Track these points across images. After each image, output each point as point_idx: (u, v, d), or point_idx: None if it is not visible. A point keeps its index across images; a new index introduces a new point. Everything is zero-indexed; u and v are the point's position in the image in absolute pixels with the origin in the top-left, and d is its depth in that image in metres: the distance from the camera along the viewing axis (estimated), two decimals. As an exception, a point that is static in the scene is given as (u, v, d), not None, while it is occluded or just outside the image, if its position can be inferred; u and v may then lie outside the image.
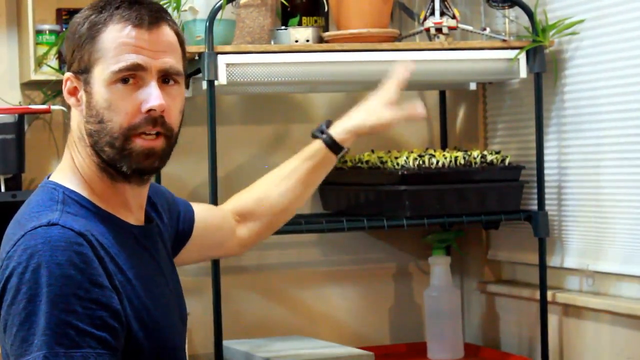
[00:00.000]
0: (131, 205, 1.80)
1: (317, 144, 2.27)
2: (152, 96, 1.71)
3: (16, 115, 3.07)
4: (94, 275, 1.64)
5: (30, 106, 3.13)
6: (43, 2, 3.22)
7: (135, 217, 1.81)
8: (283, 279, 3.47)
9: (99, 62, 1.72)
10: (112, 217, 1.75)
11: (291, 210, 2.30)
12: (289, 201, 2.26)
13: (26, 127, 3.17)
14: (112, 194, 1.77)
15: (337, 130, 2.26)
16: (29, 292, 1.60)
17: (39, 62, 3.13)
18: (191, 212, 2.15)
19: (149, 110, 1.72)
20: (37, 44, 3.13)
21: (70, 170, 1.77)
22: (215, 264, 2.91)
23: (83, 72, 1.73)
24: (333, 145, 2.25)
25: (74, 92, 1.75)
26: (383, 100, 2.26)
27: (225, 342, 2.99)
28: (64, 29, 3.19)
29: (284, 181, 2.26)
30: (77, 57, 1.74)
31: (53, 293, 1.60)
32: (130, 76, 1.71)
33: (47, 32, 3.18)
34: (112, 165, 1.74)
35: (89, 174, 1.76)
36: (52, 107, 3.13)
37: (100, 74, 1.72)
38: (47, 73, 3.12)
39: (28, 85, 3.23)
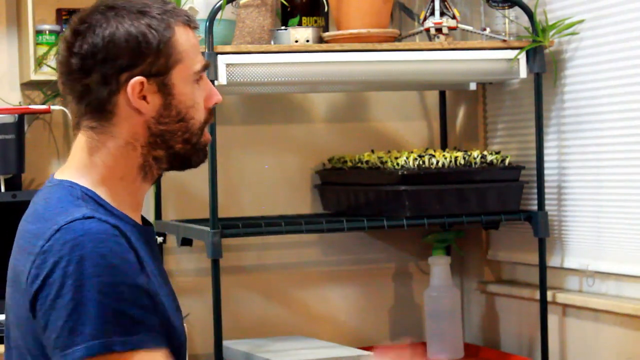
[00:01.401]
0: (138, 206, 1.83)
1: None
2: (216, 91, 1.84)
3: (16, 115, 3.07)
4: (136, 264, 1.68)
5: (30, 106, 3.13)
6: (43, 2, 3.22)
7: (137, 216, 1.84)
8: (283, 279, 3.47)
9: (179, 63, 1.78)
10: (126, 217, 1.79)
11: None
12: None
13: (26, 127, 3.17)
14: (127, 194, 1.80)
15: None
16: (75, 284, 1.61)
17: (39, 62, 3.13)
18: None
19: (213, 104, 1.84)
20: (37, 44, 3.13)
21: (84, 169, 1.78)
22: (215, 264, 2.91)
23: (156, 75, 1.76)
24: None
25: (142, 96, 1.77)
26: None
27: (225, 342, 3.00)
28: (64, 29, 3.19)
29: None
30: (147, 61, 1.76)
31: (101, 283, 1.61)
32: (201, 75, 1.82)
33: (47, 32, 3.19)
34: (177, 159, 1.82)
35: (120, 173, 1.79)
36: (52, 107, 3.13)
37: (182, 74, 1.78)
38: (47, 73, 3.12)
39: (28, 85, 3.23)
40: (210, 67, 2.86)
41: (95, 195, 1.75)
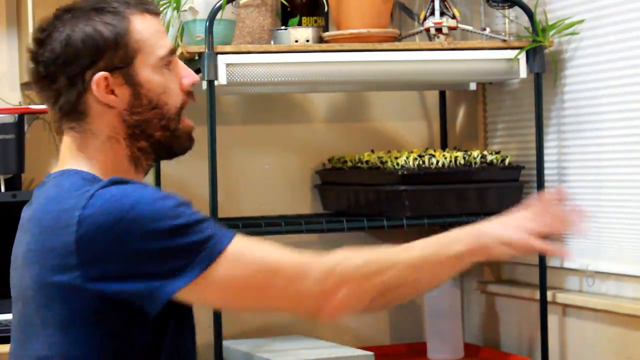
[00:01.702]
0: None
1: None
2: (189, 72, 1.85)
3: (16, 115, 3.07)
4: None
5: (30, 106, 3.14)
6: (43, 2, 3.21)
7: None
8: (283, 279, 3.47)
9: (139, 52, 1.78)
10: None
11: None
12: None
13: (26, 127, 3.17)
14: None
15: None
16: (133, 225, 1.64)
17: (39, 62, 3.12)
18: None
19: (189, 85, 1.84)
20: (37, 44, 3.13)
21: (81, 163, 1.79)
22: (215, 264, 2.91)
23: (119, 67, 1.77)
24: None
25: (109, 90, 1.78)
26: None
27: (225, 342, 3.00)
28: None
29: None
30: (107, 57, 1.77)
31: (163, 206, 1.66)
32: (171, 59, 1.82)
33: (47, 32, 3.18)
34: (161, 148, 1.82)
35: (112, 167, 1.80)
36: (52, 107, 3.13)
37: (145, 63, 1.78)
38: (47, 73, 3.12)
39: (28, 85, 3.23)
40: (207, 67, 2.85)
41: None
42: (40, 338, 1.72)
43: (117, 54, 1.77)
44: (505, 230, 1.83)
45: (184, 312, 1.77)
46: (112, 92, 1.77)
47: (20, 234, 1.79)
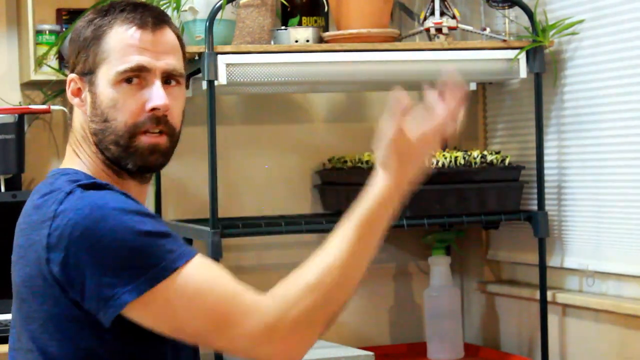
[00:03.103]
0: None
1: None
2: (157, 96, 1.75)
3: (16, 115, 3.07)
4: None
5: (30, 106, 3.13)
6: (43, 2, 3.22)
7: None
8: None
9: (104, 63, 1.76)
10: None
11: None
12: None
13: (26, 127, 3.17)
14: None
15: None
16: (102, 231, 1.62)
17: (39, 62, 3.13)
18: None
19: (153, 110, 1.75)
20: (37, 44, 3.13)
21: (77, 166, 1.80)
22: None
23: (87, 73, 1.78)
24: None
25: (77, 93, 1.80)
26: None
27: (225, 342, 2.99)
28: (64, 29, 3.19)
29: None
30: (81, 59, 1.79)
31: (129, 221, 1.64)
32: (135, 76, 1.75)
33: (47, 32, 3.19)
34: (117, 162, 1.78)
35: (96, 171, 1.80)
36: (52, 107, 3.13)
37: (105, 74, 1.76)
38: (47, 73, 3.13)
39: (28, 85, 3.23)
40: (207, 67, 2.85)
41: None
42: (26, 333, 1.72)
43: (88, 59, 1.77)
44: (409, 169, 1.82)
45: None
46: (80, 96, 1.79)
47: (16, 230, 1.81)
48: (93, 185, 1.69)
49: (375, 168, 1.82)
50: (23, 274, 1.72)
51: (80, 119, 1.81)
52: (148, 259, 1.62)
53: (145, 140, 1.76)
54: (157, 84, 1.76)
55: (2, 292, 2.79)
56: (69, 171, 1.78)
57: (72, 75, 1.79)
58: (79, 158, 1.81)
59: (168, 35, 1.80)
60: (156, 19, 1.78)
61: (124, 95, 1.75)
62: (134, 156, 1.76)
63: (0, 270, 2.67)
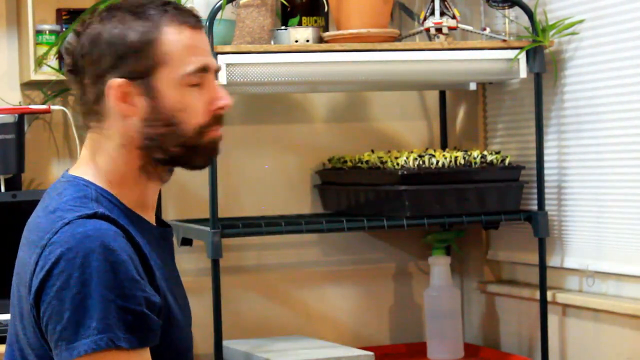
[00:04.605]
0: (150, 207, 1.82)
1: None
2: (223, 95, 1.78)
3: (16, 115, 3.07)
4: (142, 263, 1.69)
5: (30, 106, 3.13)
6: (43, 2, 3.22)
7: (151, 218, 1.84)
8: (283, 279, 3.47)
9: (163, 65, 1.73)
10: (140, 218, 1.79)
11: None
12: None
13: (26, 127, 3.17)
14: (138, 195, 1.79)
15: None
16: (82, 277, 1.61)
17: (39, 62, 3.13)
18: None
19: (219, 108, 1.77)
20: (37, 44, 3.13)
21: (95, 170, 1.78)
22: (215, 264, 2.91)
23: (139, 77, 1.73)
24: None
25: (124, 98, 1.75)
26: None
27: (225, 342, 3.00)
28: (64, 29, 3.19)
29: None
30: (128, 63, 1.73)
31: (108, 278, 1.61)
32: (199, 77, 1.75)
33: (47, 32, 3.18)
34: (178, 162, 1.79)
35: (120, 176, 1.78)
36: (52, 107, 3.13)
37: (167, 77, 1.73)
38: (47, 73, 3.12)
39: (28, 85, 3.23)
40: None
41: (110, 195, 1.75)
42: (17, 347, 1.74)
43: (140, 62, 1.72)
44: None
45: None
46: (129, 101, 1.73)
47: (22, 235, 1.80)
48: (94, 216, 1.66)
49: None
50: (16, 289, 1.74)
51: (121, 124, 1.75)
52: (119, 322, 1.61)
53: (212, 136, 1.78)
54: (217, 83, 1.79)
55: (2, 292, 2.80)
56: (81, 182, 1.76)
57: (119, 81, 1.72)
58: (95, 163, 1.77)
59: (205, 35, 1.83)
60: (198, 19, 1.79)
61: (192, 97, 1.74)
62: (203, 153, 1.78)
63: (0, 270, 2.68)
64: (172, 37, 1.73)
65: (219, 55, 2.87)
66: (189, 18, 1.76)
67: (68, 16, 3.23)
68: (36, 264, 1.65)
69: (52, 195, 1.76)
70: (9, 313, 1.81)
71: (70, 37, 1.78)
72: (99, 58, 1.73)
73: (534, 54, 3.08)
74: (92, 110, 1.76)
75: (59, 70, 3.13)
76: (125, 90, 1.72)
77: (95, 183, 1.75)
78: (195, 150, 1.77)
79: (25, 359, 1.72)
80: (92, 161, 1.78)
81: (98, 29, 1.74)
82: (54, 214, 1.69)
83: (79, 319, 1.60)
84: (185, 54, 1.73)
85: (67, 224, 1.65)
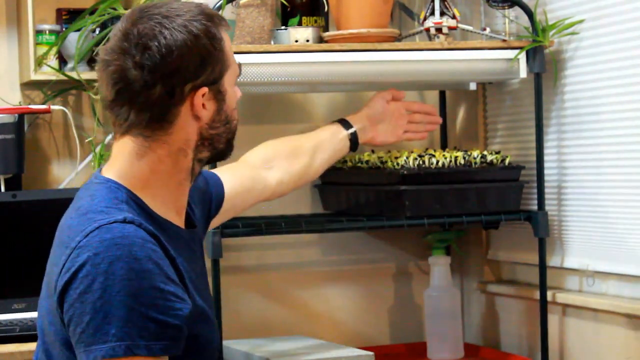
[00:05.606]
0: (181, 208, 1.85)
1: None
2: (237, 88, 1.90)
3: (16, 115, 3.07)
4: (169, 271, 1.70)
5: (30, 106, 3.13)
6: (43, 2, 3.22)
7: (181, 219, 1.85)
8: (283, 279, 3.47)
9: (227, 69, 1.82)
10: (167, 223, 1.81)
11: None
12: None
13: (26, 127, 3.17)
14: (171, 199, 1.84)
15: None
16: (106, 283, 1.62)
17: (39, 62, 3.13)
18: (221, 191, 2.28)
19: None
20: (37, 44, 3.13)
21: (131, 173, 1.79)
22: (215, 263, 2.91)
23: (213, 82, 1.80)
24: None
25: (204, 104, 1.80)
26: None
27: (225, 342, 3.00)
28: (64, 29, 3.19)
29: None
30: (208, 70, 1.78)
31: (131, 286, 1.63)
32: None
33: (47, 32, 3.19)
34: (217, 157, 1.90)
35: (157, 180, 1.79)
36: (52, 107, 3.13)
37: (228, 79, 1.83)
38: (47, 73, 3.13)
39: (28, 85, 3.23)
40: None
41: (139, 200, 1.76)
42: (41, 344, 1.77)
43: (215, 69, 1.78)
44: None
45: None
46: (206, 106, 1.80)
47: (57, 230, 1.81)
48: (123, 221, 1.68)
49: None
50: (46, 290, 1.76)
51: (188, 130, 1.79)
52: (139, 330, 1.62)
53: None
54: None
55: (1, 292, 2.80)
56: (113, 185, 1.76)
57: (204, 89, 1.77)
58: (132, 166, 1.78)
59: None
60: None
61: (236, 94, 1.89)
62: (232, 148, 1.93)
63: (0, 270, 2.68)
64: (227, 40, 1.81)
65: (219, 55, 2.88)
66: (223, 18, 1.83)
67: (68, 16, 3.23)
68: (64, 265, 1.67)
69: (84, 197, 1.77)
70: (8, 313, 1.82)
71: (128, 48, 1.72)
72: (176, 70, 1.74)
73: (534, 54, 3.08)
74: (162, 119, 1.77)
75: (59, 70, 3.13)
76: (207, 96, 1.78)
77: (126, 187, 1.77)
78: (231, 144, 1.91)
79: (50, 353, 1.73)
80: (133, 164, 1.78)
81: (167, 41, 1.73)
82: (85, 216, 1.71)
83: (98, 324, 1.62)
84: (232, 54, 1.83)
85: (97, 228, 1.67)
